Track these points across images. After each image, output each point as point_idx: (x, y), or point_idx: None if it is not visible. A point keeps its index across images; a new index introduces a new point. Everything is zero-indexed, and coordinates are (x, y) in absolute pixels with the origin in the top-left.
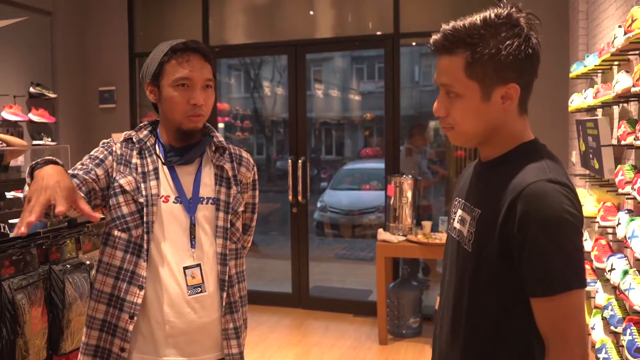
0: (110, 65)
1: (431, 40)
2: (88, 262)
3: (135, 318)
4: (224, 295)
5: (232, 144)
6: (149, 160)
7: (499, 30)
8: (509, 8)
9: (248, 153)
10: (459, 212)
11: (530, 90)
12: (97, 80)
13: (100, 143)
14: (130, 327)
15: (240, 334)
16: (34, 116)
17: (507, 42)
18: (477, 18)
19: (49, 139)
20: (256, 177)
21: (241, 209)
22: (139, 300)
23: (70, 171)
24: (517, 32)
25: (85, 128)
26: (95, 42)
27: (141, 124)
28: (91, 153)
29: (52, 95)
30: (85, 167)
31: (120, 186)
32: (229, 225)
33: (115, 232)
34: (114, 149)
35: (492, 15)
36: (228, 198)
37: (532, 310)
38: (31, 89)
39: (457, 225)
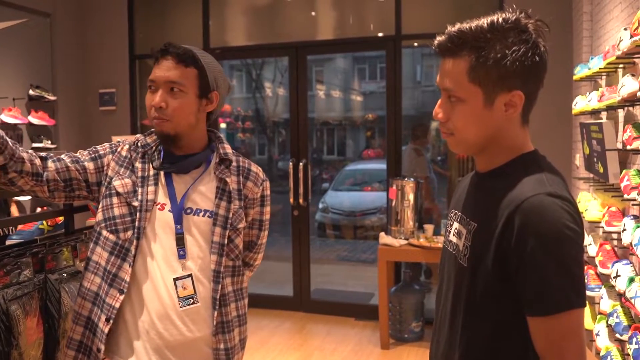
0: (110, 67)
1: (435, 42)
2: None
3: (111, 321)
4: (215, 314)
5: (242, 156)
6: (151, 165)
7: (506, 35)
8: (517, 13)
9: (259, 167)
10: (455, 224)
11: (534, 101)
12: (97, 83)
13: (114, 140)
14: (106, 329)
15: (232, 356)
16: (33, 119)
17: (514, 48)
18: (484, 22)
19: (49, 142)
20: (267, 192)
21: (242, 225)
22: (117, 304)
23: (63, 155)
24: (525, 38)
25: (85, 130)
26: (95, 43)
27: (153, 129)
28: (96, 146)
29: (52, 98)
30: (77, 156)
31: (115, 188)
32: (225, 242)
33: (104, 233)
34: (118, 149)
35: (500, 20)
36: (227, 213)
37: (528, 329)
38: (31, 92)
39: (453, 238)
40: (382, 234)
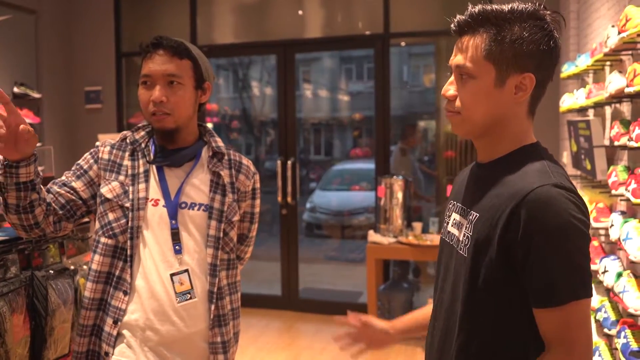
0: (96, 65)
1: (455, 20)
2: (72, 267)
3: (119, 323)
4: (212, 307)
5: (232, 149)
6: (140, 162)
7: (525, 19)
8: (536, 5)
9: (249, 160)
10: (454, 215)
11: (543, 91)
12: (83, 80)
13: (100, 139)
14: (114, 332)
15: (228, 349)
16: None
17: (531, 31)
18: (504, 5)
19: None
20: (257, 185)
21: (236, 218)
22: (123, 306)
23: (50, 183)
24: (542, 25)
25: (70, 129)
26: (81, 41)
27: (140, 124)
28: (79, 161)
29: (37, 95)
30: (62, 180)
31: (103, 195)
32: (221, 235)
33: (103, 239)
34: (100, 155)
35: (520, 6)
36: (222, 206)
37: (529, 320)
38: (15, 89)
39: (451, 229)
40: (371, 232)
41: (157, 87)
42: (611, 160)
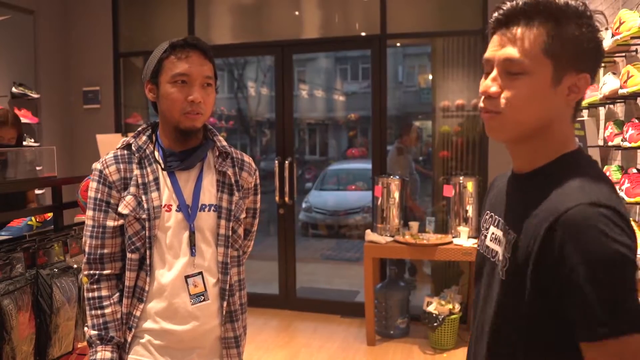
0: (94, 65)
1: (504, 7)
2: (75, 266)
3: (133, 330)
4: (224, 304)
5: (232, 147)
6: (149, 169)
7: (580, 16)
8: (583, 4)
9: (250, 157)
10: (492, 229)
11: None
12: (81, 81)
13: (93, 175)
14: (129, 338)
15: (240, 343)
16: None
17: (587, 29)
18: None
19: (32, 140)
20: (258, 181)
21: (243, 215)
22: (138, 313)
23: (88, 250)
24: (593, 24)
25: (69, 129)
26: (79, 41)
27: (140, 128)
28: (92, 195)
29: (35, 96)
30: (96, 230)
31: (121, 212)
32: (230, 233)
33: (129, 255)
34: (110, 179)
35: (573, 2)
36: (230, 205)
37: (574, 353)
38: (13, 89)
39: (490, 244)
40: (368, 231)
41: (195, 88)
42: (605, 160)
